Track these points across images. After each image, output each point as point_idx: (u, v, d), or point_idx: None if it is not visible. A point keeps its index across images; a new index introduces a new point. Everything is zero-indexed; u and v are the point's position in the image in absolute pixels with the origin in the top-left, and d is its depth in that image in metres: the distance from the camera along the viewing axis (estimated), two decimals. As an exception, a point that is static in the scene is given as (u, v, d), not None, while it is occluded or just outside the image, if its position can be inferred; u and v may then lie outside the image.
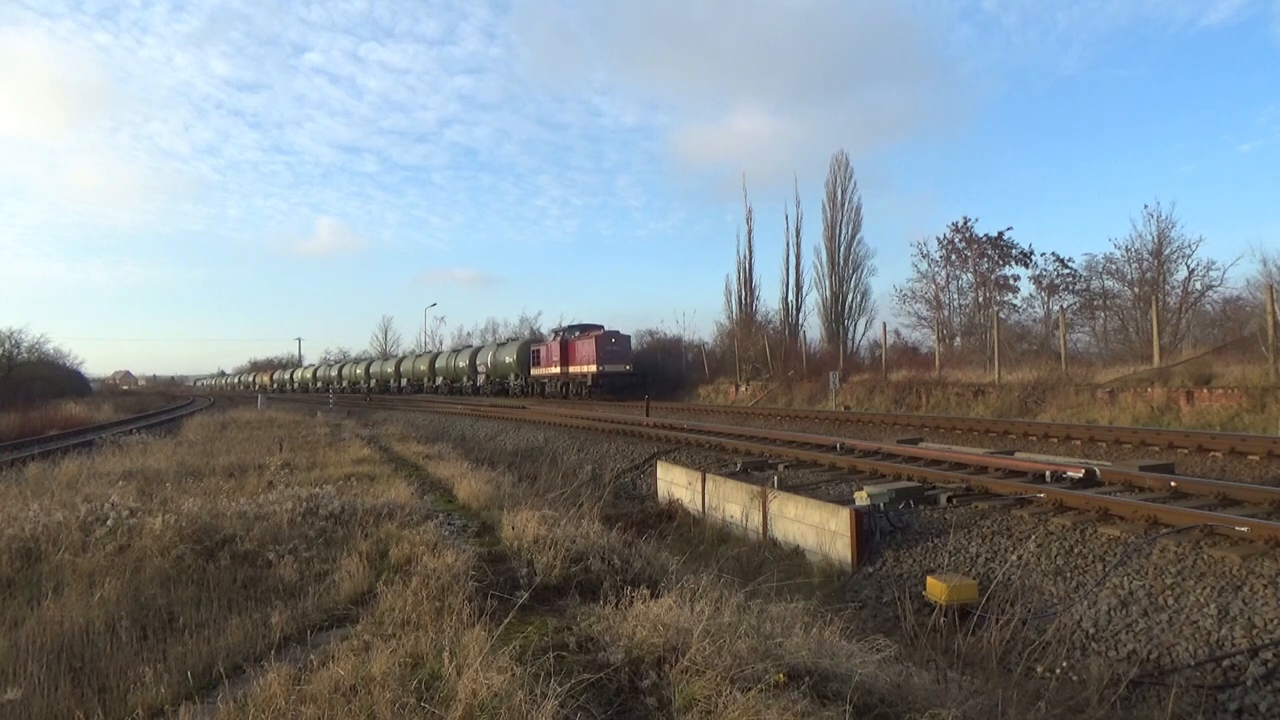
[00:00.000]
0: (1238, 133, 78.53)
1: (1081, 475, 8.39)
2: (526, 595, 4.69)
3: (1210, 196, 72.05)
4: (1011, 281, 37.63)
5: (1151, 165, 76.89)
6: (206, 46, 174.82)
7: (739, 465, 11.34)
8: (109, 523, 6.54)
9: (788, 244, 38.89)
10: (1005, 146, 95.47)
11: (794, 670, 3.36)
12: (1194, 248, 28.56)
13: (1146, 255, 29.75)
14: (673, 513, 10.46)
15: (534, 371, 36.60)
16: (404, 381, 53.22)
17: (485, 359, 41.86)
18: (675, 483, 11.05)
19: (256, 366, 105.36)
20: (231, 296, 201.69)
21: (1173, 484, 7.74)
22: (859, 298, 37.99)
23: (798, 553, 8.04)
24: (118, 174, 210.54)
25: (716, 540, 8.96)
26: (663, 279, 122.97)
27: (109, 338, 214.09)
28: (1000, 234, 37.51)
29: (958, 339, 35.69)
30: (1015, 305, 37.28)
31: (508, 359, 39.13)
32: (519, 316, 68.01)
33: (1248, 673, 4.66)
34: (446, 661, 3.40)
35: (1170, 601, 5.50)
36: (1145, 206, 40.72)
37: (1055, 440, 12.59)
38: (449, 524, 7.37)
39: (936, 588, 6.09)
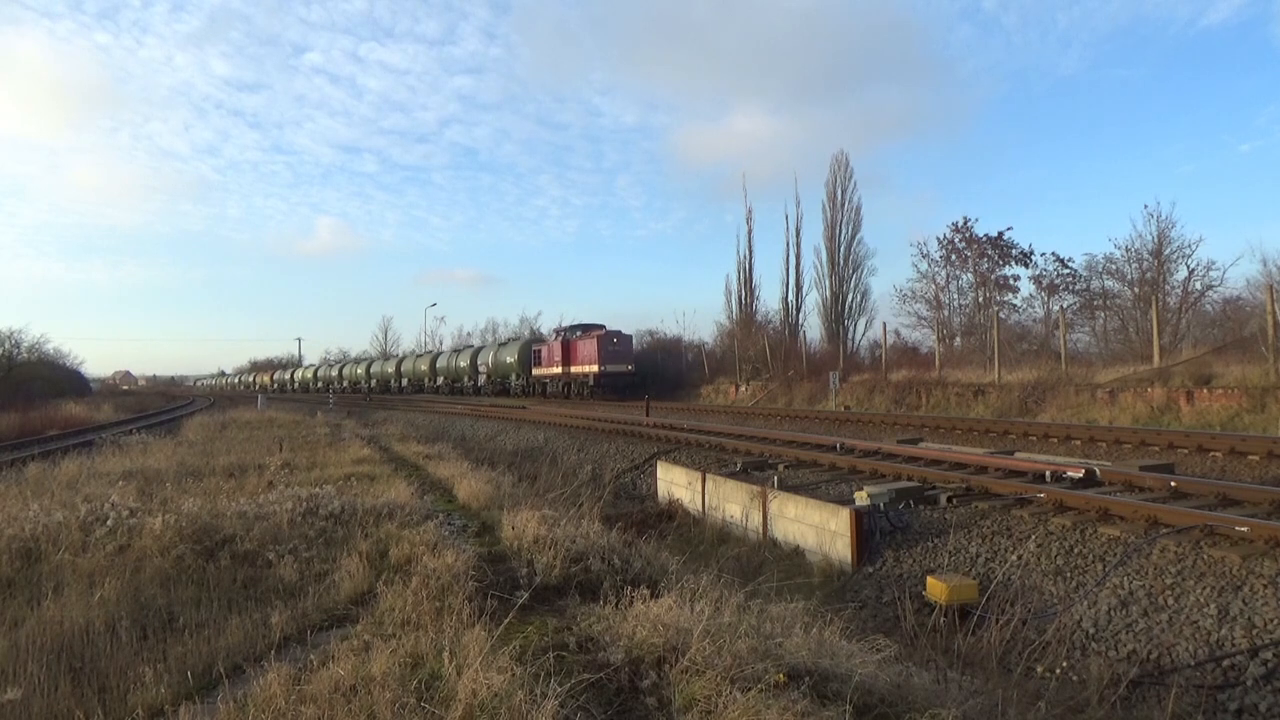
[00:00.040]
0: (1238, 133, 78.65)
1: (1081, 475, 8.39)
2: (526, 595, 4.69)
3: (1210, 196, 72.15)
4: (1011, 281, 37.69)
5: (1151, 165, 77.03)
6: (206, 46, 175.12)
7: (739, 465, 11.34)
8: (109, 523, 6.54)
9: (788, 244, 38.95)
10: (1005, 146, 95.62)
11: (794, 670, 3.36)
12: (1194, 248, 28.61)
13: (1146, 255, 29.79)
14: (673, 513, 10.46)
15: (535, 371, 36.59)
16: (405, 381, 53.21)
17: (487, 359, 41.87)
18: (675, 483, 11.05)
19: (256, 366, 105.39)
20: (231, 296, 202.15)
21: (1173, 484, 7.74)
22: (859, 298, 38.04)
23: (798, 553, 8.04)
24: (118, 174, 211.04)
25: (716, 540, 8.96)
26: (663, 279, 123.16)
27: (109, 338, 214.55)
28: (1000, 234, 37.58)
29: (958, 339, 35.69)
30: (1015, 305, 37.35)
31: (509, 359, 39.13)
32: (519, 316, 68.11)
33: (1248, 673, 4.66)
34: (446, 661, 3.40)
35: (1170, 601, 5.50)
36: (1145, 206, 40.80)
37: (1055, 440, 12.59)
38: (449, 524, 7.37)
39: (936, 588, 6.09)
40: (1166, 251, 29.08)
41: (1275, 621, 4.93)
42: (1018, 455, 10.30)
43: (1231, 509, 6.85)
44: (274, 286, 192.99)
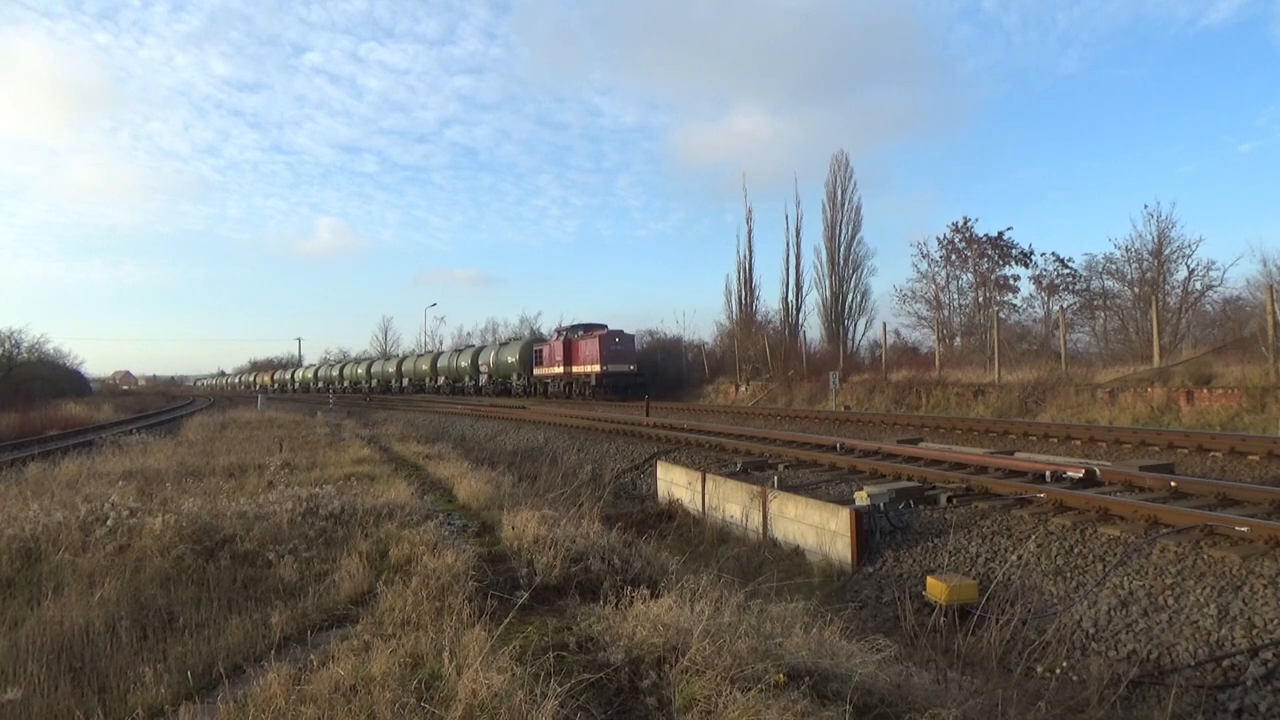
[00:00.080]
0: (1238, 133, 78.67)
1: (1081, 475, 8.38)
2: (526, 595, 4.69)
3: (1210, 196, 72.15)
4: (1011, 281, 37.70)
5: (1151, 165, 77.04)
6: (206, 46, 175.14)
7: (739, 465, 11.34)
8: (109, 523, 6.54)
9: (788, 244, 38.97)
10: (1005, 146, 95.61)
11: (794, 670, 3.36)
12: (1194, 248, 28.64)
13: (1146, 255, 29.80)
14: (673, 513, 10.46)
15: (537, 371, 36.60)
16: (405, 381, 53.22)
17: (488, 359, 41.87)
18: (675, 483, 11.05)
19: (257, 366, 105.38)
20: (231, 296, 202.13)
21: (1173, 484, 7.74)
22: (859, 298, 38.06)
23: (798, 553, 8.04)
24: (118, 174, 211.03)
25: (716, 540, 8.96)
26: (663, 279, 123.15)
27: (109, 338, 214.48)
28: (1000, 234, 37.59)
29: (958, 339, 35.70)
30: (1015, 305, 37.37)
31: (510, 359, 39.13)
32: (519, 316, 68.17)
33: (1248, 673, 4.66)
34: (446, 661, 3.40)
35: (1170, 601, 5.50)
36: (1145, 206, 40.91)
37: (1055, 440, 12.59)
38: (449, 524, 7.37)
39: (936, 588, 6.09)
40: (1166, 251, 29.13)
41: (1275, 621, 4.93)
42: (1018, 455, 10.30)
43: (1231, 509, 6.85)
44: (274, 286, 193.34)
